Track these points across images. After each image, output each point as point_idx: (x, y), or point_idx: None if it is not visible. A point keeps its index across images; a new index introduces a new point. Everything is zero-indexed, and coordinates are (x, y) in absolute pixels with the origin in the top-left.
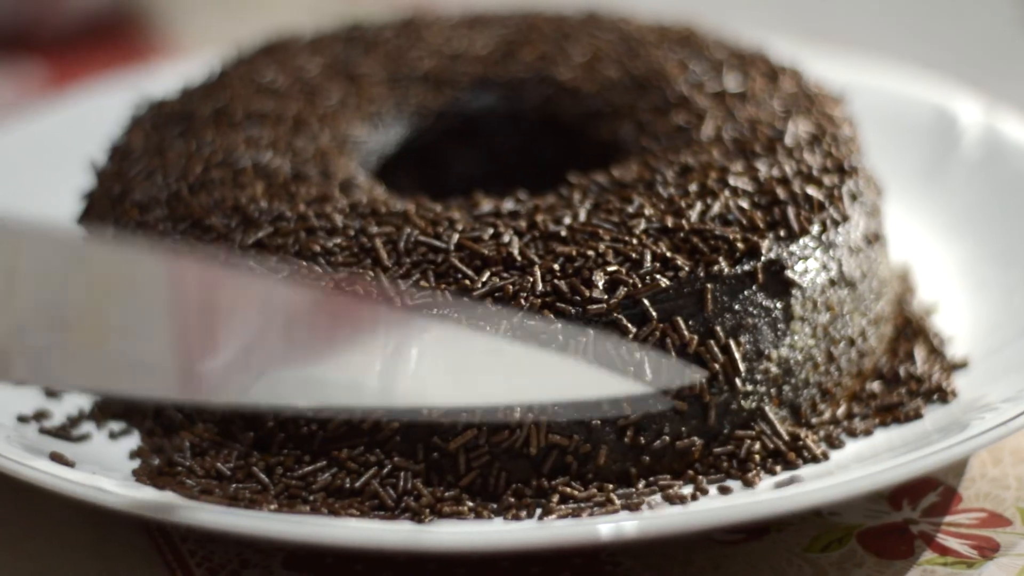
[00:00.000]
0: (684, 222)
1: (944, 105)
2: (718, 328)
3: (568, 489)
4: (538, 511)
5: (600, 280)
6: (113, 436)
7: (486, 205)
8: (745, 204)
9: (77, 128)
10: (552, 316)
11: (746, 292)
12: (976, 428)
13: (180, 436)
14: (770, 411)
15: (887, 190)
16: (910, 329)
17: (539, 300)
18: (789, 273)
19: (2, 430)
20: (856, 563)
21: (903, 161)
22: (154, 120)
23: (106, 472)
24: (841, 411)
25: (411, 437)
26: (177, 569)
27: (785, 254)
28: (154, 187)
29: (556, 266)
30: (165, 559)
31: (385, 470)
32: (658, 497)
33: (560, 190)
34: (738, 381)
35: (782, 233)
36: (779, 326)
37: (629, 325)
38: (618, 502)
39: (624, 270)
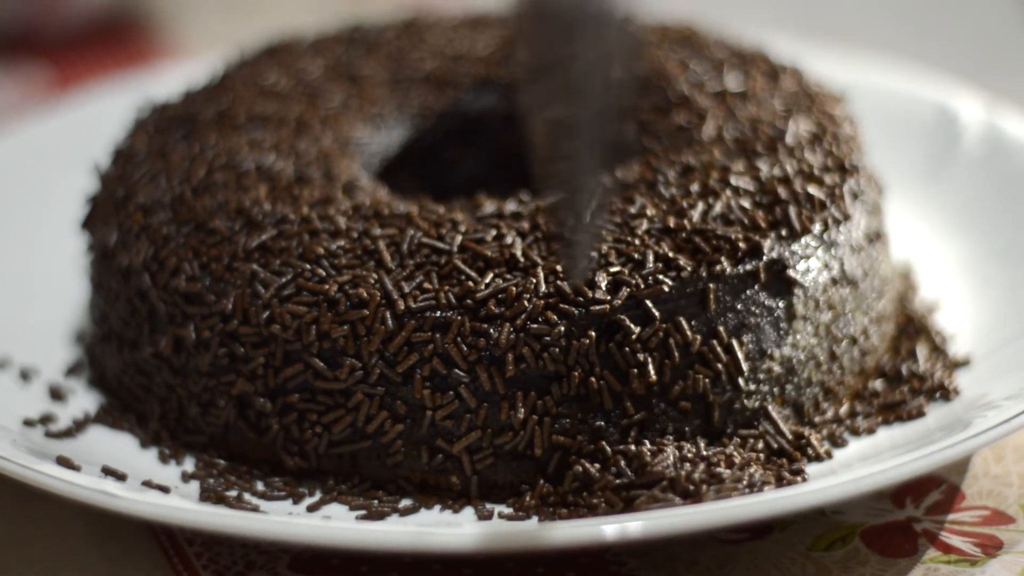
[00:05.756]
0: (686, 222)
1: (945, 103)
2: (721, 328)
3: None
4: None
5: (603, 281)
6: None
7: (489, 206)
8: (747, 204)
9: (80, 131)
10: (555, 317)
11: (748, 292)
12: (978, 426)
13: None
14: (773, 410)
15: (888, 188)
16: (912, 327)
17: (542, 301)
18: (791, 272)
19: (8, 434)
20: (860, 561)
21: (904, 159)
22: (157, 123)
23: (112, 476)
24: (844, 410)
25: (415, 440)
26: (183, 571)
27: (787, 253)
28: (158, 190)
29: (559, 267)
30: (171, 561)
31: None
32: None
33: None
34: (741, 380)
35: (784, 232)
36: (782, 325)
37: (632, 326)
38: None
39: (627, 271)
